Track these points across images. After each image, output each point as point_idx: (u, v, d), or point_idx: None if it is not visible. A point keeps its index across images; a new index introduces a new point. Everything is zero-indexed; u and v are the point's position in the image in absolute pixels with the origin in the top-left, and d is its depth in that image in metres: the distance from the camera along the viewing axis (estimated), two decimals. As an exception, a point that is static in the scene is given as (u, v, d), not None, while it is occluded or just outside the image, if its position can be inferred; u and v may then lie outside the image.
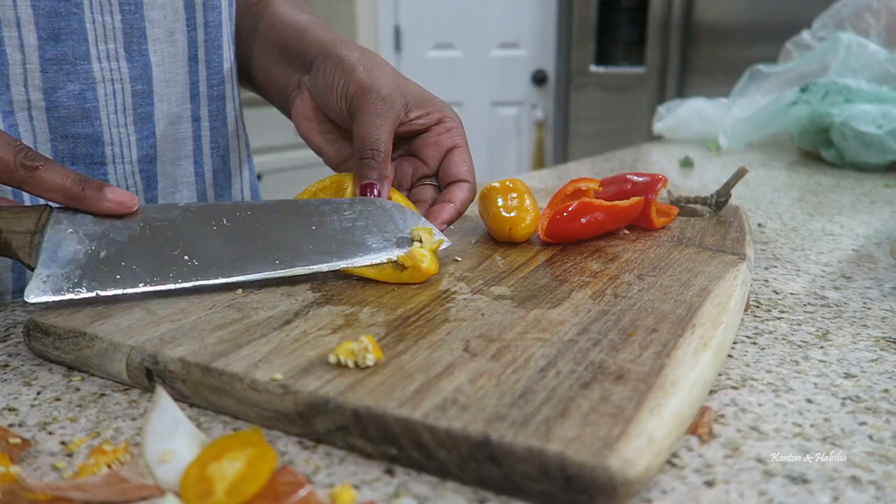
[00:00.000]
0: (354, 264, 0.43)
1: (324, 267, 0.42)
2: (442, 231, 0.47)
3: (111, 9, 0.50)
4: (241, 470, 0.25)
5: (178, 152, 0.58)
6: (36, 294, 0.37)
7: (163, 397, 0.29)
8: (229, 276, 0.41)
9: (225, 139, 0.62)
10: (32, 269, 0.38)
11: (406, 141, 0.53)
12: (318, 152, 0.54)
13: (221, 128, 0.61)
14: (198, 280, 0.40)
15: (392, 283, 0.43)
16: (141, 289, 0.39)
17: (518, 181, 0.54)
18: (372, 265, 0.43)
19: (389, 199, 0.47)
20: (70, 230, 0.39)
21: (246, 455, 0.26)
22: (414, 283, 0.43)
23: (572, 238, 0.50)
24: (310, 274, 0.42)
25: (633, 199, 0.52)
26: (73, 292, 0.38)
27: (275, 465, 0.26)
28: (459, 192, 0.50)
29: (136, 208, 0.39)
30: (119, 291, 0.39)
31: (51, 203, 0.40)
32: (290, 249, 0.42)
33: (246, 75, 0.65)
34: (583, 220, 0.50)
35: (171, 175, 0.59)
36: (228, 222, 0.42)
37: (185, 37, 0.56)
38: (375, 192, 0.46)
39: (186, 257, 0.41)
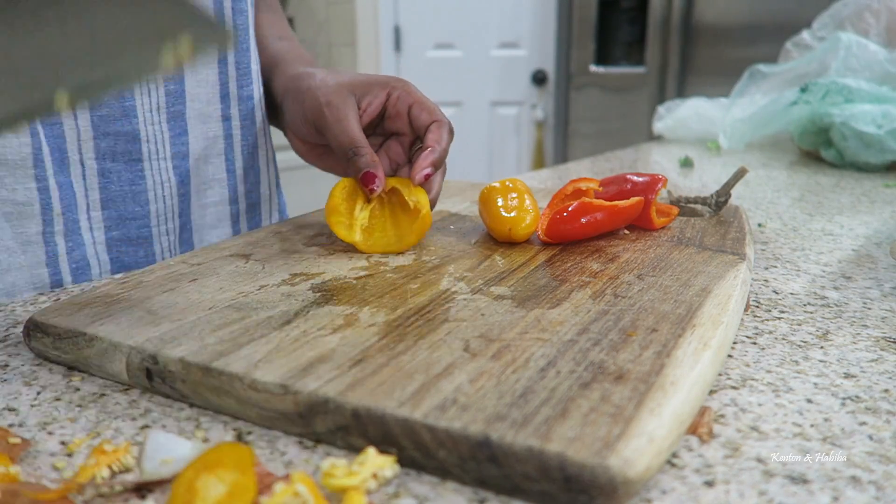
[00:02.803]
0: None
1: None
2: (431, 176, 0.50)
3: None
4: (221, 497, 0.25)
5: (209, 150, 0.61)
6: None
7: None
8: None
9: (253, 137, 0.64)
10: None
11: (378, 128, 0.56)
12: (328, 171, 0.59)
13: (251, 126, 0.64)
14: None
15: (377, 252, 0.46)
16: None
17: (518, 181, 0.54)
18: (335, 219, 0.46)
19: (386, 182, 0.50)
20: None
21: (231, 480, 0.26)
22: (397, 253, 0.45)
23: (572, 238, 0.50)
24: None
25: (633, 200, 0.52)
26: None
27: (253, 497, 0.25)
28: (432, 135, 0.52)
29: None
30: None
31: None
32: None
33: None
34: (583, 220, 0.50)
35: (204, 172, 0.61)
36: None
37: None
38: (375, 178, 0.49)
39: None
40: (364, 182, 0.50)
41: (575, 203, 0.50)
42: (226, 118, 0.61)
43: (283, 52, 0.66)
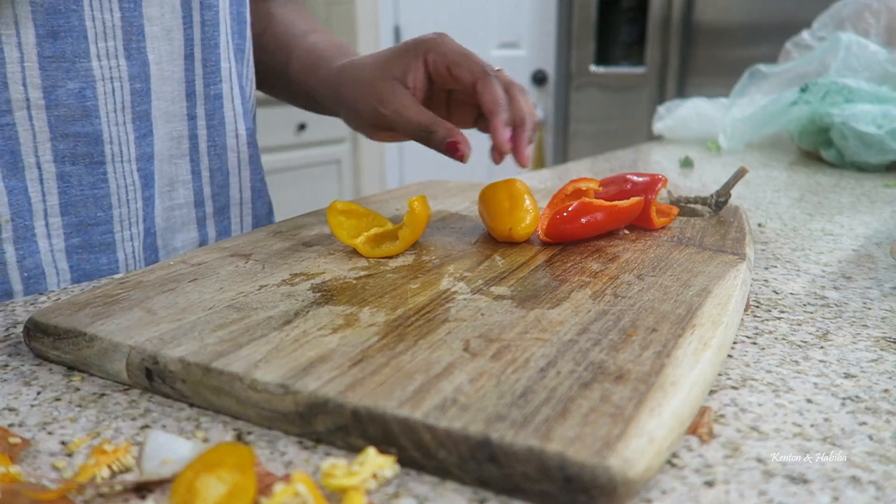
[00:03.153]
0: None
1: None
2: (515, 137, 0.52)
3: (111, 6, 0.50)
4: (221, 497, 0.25)
5: (174, 150, 0.58)
6: None
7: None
8: None
9: (222, 138, 0.62)
10: None
11: (437, 88, 0.57)
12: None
13: (219, 127, 0.61)
14: None
15: (378, 256, 0.47)
16: None
17: (517, 181, 0.54)
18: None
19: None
20: None
21: (231, 481, 0.26)
22: (397, 255, 0.46)
23: (572, 238, 0.50)
24: None
25: (633, 200, 0.52)
26: None
27: (253, 497, 0.26)
28: (484, 97, 0.52)
29: None
30: None
31: None
32: None
33: (284, 87, 0.69)
34: (583, 221, 0.50)
35: (168, 173, 0.59)
36: None
37: (181, 34, 0.55)
38: (457, 146, 0.51)
39: None
40: (450, 152, 0.50)
41: (575, 203, 0.50)
42: (191, 117, 0.59)
43: (319, 48, 0.65)
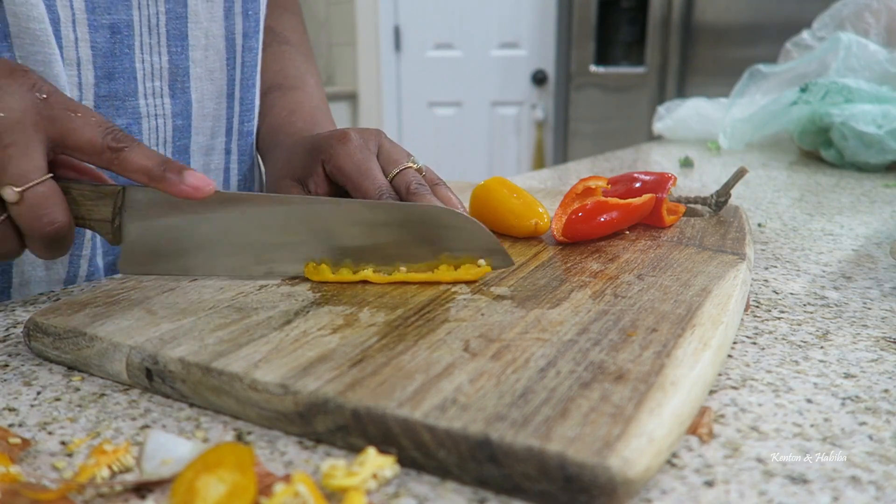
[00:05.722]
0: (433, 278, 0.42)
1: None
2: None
3: (160, 50, 0.53)
4: (221, 497, 0.25)
5: None
6: (125, 270, 0.42)
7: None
8: (296, 268, 0.43)
9: (248, 170, 0.65)
10: (116, 245, 0.42)
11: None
12: None
13: (247, 160, 0.65)
14: (269, 270, 0.43)
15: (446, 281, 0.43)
16: (216, 270, 0.43)
17: (505, 180, 0.54)
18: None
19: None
20: (145, 212, 0.41)
21: (231, 481, 0.26)
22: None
23: (589, 237, 0.51)
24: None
25: (646, 197, 0.52)
26: (157, 269, 0.42)
27: (253, 497, 0.26)
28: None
29: (211, 194, 0.40)
30: (198, 271, 0.43)
31: (127, 184, 0.42)
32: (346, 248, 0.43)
33: None
34: (601, 219, 0.50)
35: None
36: (304, 218, 0.42)
37: (224, 75, 0.59)
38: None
39: (259, 246, 0.43)
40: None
41: (590, 202, 0.50)
42: (227, 152, 0.62)
43: (275, 109, 0.64)
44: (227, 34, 0.58)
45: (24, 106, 0.36)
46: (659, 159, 1.15)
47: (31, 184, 0.36)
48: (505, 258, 0.43)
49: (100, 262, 0.55)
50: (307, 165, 0.50)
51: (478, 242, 0.43)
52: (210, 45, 0.56)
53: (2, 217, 0.37)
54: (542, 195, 0.68)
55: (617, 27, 2.60)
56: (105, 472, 0.27)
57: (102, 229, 0.41)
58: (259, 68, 0.63)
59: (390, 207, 0.43)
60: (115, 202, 0.40)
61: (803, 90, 1.08)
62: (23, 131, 0.36)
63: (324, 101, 0.67)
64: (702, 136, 1.31)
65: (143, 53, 0.52)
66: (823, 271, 0.53)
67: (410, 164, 0.48)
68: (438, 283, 0.42)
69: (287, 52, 0.68)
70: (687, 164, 1.06)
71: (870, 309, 0.45)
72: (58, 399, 0.34)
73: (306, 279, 0.43)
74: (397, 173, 0.47)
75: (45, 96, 0.37)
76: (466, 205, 0.53)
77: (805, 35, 1.22)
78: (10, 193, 0.36)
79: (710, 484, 0.27)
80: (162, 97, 0.55)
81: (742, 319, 0.43)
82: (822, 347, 0.39)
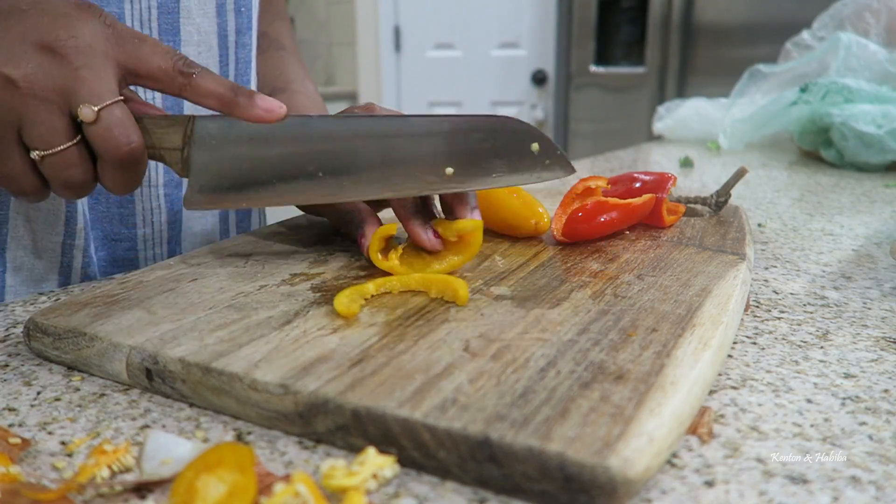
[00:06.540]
0: (485, 185, 0.43)
1: (458, 187, 0.43)
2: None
3: (150, 34, 0.52)
4: (221, 497, 0.25)
5: None
6: (191, 203, 0.42)
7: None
8: (367, 194, 0.42)
9: None
10: (185, 177, 0.42)
11: None
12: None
13: None
14: (336, 195, 0.42)
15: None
16: (284, 201, 0.42)
17: None
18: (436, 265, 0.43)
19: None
20: (214, 142, 0.41)
21: (231, 481, 0.26)
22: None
23: (589, 237, 0.51)
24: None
25: (646, 197, 0.52)
26: (224, 202, 0.42)
27: (253, 497, 0.26)
28: (412, 226, 0.47)
29: (283, 116, 0.40)
30: (265, 204, 0.42)
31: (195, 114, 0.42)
32: (425, 165, 0.43)
33: None
34: (601, 219, 0.50)
35: None
36: (366, 135, 0.42)
37: (217, 71, 0.58)
38: (362, 242, 0.46)
39: (322, 173, 0.42)
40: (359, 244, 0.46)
41: (590, 202, 0.50)
42: None
43: (293, 111, 0.64)
44: (220, 31, 0.57)
45: (94, 33, 0.37)
46: (659, 159, 1.15)
47: (106, 102, 0.37)
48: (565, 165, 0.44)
49: (93, 254, 0.55)
50: None
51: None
52: (203, 42, 0.56)
53: (76, 139, 0.37)
54: (542, 195, 0.68)
55: (617, 27, 2.60)
56: (105, 472, 0.27)
57: (171, 158, 0.41)
58: (254, 65, 0.62)
59: (455, 118, 0.43)
60: (185, 130, 0.41)
61: (803, 90, 1.08)
62: (94, 55, 0.37)
63: (323, 105, 0.67)
64: (702, 136, 1.31)
65: None
66: (823, 271, 0.53)
67: None
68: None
69: (284, 56, 0.69)
70: (687, 164, 1.06)
71: (870, 309, 0.45)
72: (58, 399, 0.34)
73: (306, 279, 0.43)
74: None
75: (112, 27, 0.38)
76: None
77: (805, 35, 1.22)
78: (87, 112, 0.36)
79: (710, 484, 0.27)
80: (154, 92, 0.54)
81: (742, 319, 0.43)
82: (822, 347, 0.39)
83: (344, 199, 0.43)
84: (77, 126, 0.37)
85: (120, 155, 0.38)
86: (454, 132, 0.43)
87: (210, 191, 0.41)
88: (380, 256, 0.44)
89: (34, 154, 0.37)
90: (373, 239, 0.43)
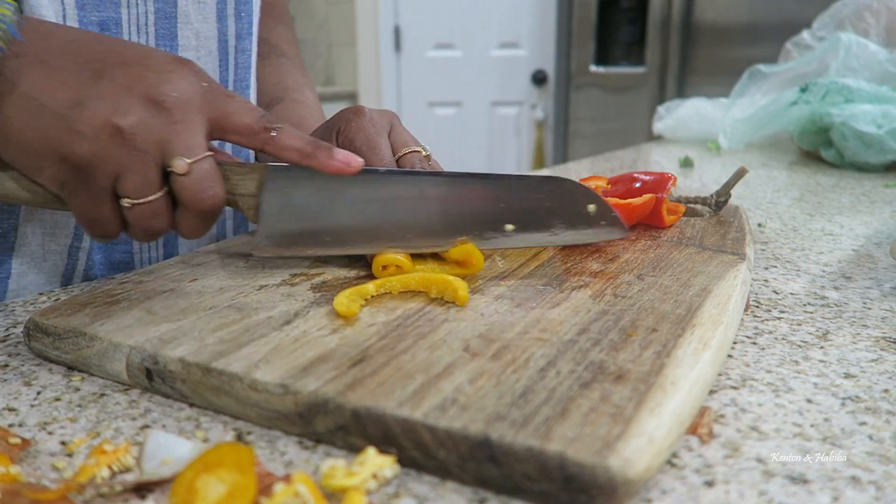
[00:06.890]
0: (544, 242, 0.45)
1: (518, 243, 0.45)
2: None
3: (147, 40, 0.52)
4: (221, 497, 0.25)
5: None
6: (261, 250, 0.43)
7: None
8: (431, 247, 0.44)
9: None
10: (255, 222, 0.43)
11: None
12: None
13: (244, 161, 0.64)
14: (400, 245, 0.44)
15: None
16: (352, 250, 0.44)
17: None
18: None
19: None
20: (286, 190, 0.42)
21: (231, 481, 0.26)
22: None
23: None
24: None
25: (646, 197, 0.52)
26: (291, 248, 0.43)
27: (253, 497, 0.26)
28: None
29: (359, 169, 0.41)
30: (330, 252, 0.44)
31: (269, 164, 0.43)
32: (487, 223, 0.44)
33: None
34: None
35: None
36: (433, 192, 0.44)
37: (216, 76, 0.58)
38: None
39: (389, 226, 0.43)
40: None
41: None
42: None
43: (291, 121, 0.63)
44: (220, 36, 0.57)
45: (192, 89, 0.38)
46: (659, 159, 1.15)
47: (199, 157, 0.38)
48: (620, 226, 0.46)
49: (96, 257, 0.55)
50: (323, 138, 0.51)
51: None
52: (202, 47, 0.56)
53: (164, 191, 0.38)
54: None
55: (617, 27, 2.59)
56: (105, 472, 0.27)
57: (245, 204, 0.42)
58: (254, 70, 0.62)
59: (512, 178, 0.45)
60: (261, 178, 0.42)
61: (803, 90, 1.08)
62: (190, 110, 0.38)
63: (322, 115, 0.67)
64: (702, 136, 1.31)
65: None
66: (823, 271, 0.53)
67: (418, 149, 0.49)
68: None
69: (284, 64, 0.69)
70: (687, 164, 1.06)
71: (870, 309, 0.45)
72: (58, 399, 0.34)
73: (306, 279, 0.43)
74: (404, 154, 0.49)
75: (207, 84, 0.39)
76: None
77: (805, 35, 1.22)
78: (181, 165, 0.37)
79: (710, 484, 0.27)
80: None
81: (742, 319, 0.43)
82: (822, 347, 0.39)
83: (410, 251, 0.44)
84: (165, 176, 0.38)
85: (204, 206, 0.39)
86: (513, 190, 0.44)
87: (278, 237, 0.43)
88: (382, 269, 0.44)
89: (125, 202, 0.38)
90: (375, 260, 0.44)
